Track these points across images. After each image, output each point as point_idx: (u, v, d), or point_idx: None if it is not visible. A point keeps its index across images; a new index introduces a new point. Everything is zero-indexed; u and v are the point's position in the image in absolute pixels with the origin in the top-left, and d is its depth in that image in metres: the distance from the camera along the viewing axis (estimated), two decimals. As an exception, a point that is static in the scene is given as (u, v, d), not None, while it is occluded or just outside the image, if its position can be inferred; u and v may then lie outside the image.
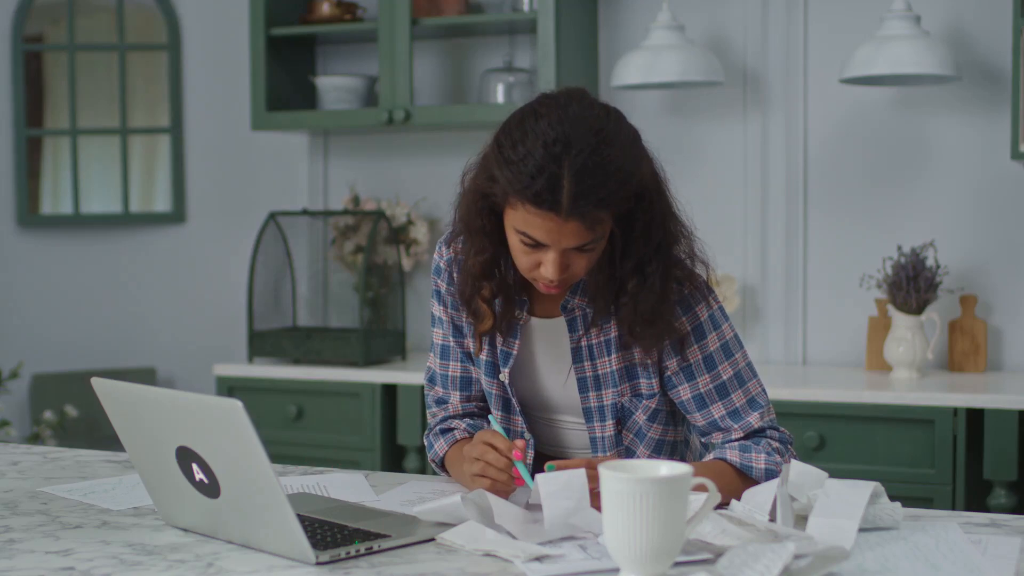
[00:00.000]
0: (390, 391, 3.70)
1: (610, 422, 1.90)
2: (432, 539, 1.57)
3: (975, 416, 3.16)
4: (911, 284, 3.40)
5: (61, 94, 4.57)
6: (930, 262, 3.49)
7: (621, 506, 1.34)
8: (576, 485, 1.57)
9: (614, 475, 1.35)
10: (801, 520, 1.62)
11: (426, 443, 2.04)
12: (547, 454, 2.01)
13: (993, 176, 3.56)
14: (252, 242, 4.13)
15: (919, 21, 3.40)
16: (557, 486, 1.57)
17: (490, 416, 1.86)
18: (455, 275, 1.93)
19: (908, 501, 1.85)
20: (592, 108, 1.73)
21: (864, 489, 1.58)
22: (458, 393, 2.01)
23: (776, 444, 1.86)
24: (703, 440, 1.93)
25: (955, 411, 3.14)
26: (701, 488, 1.45)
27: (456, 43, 4.12)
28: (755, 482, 1.81)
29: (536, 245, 1.73)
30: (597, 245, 1.75)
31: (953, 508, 3.11)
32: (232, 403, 1.42)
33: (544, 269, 1.74)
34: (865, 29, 3.55)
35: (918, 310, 3.42)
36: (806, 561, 1.39)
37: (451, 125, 3.95)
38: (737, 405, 1.87)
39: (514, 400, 1.94)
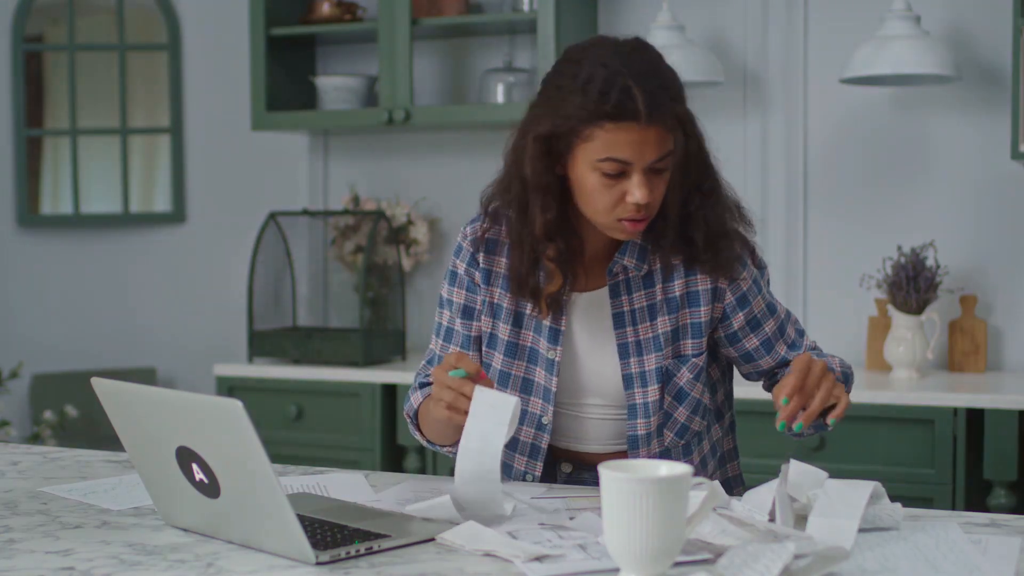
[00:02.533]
0: (390, 391, 3.70)
1: (653, 387, 1.91)
2: (432, 539, 1.57)
3: (975, 416, 3.16)
4: (911, 284, 3.40)
5: (61, 94, 4.57)
6: (930, 262, 3.49)
7: (621, 506, 1.34)
8: (504, 407, 1.63)
9: (614, 475, 1.35)
10: (801, 520, 1.62)
11: (405, 405, 2.02)
12: (562, 448, 1.99)
13: (993, 176, 3.56)
14: (252, 242, 4.13)
15: (919, 21, 3.40)
16: (488, 401, 1.64)
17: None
18: (481, 256, 1.96)
19: (908, 501, 1.85)
20: (620, 37, 1.85)
21: (864, 489, 1.58)
22: None
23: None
24: (767, 381, 2.02)
25: (955, 411, 3.14)
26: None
27: (456, 43, 4.12)
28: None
29: (617, 174, 1.78)
30: (669, 162, 1.80)
31: (953, 508, 3.11)
32: (232, 403, 1.42)
33: (631, 196, 1.78)
34: (865, 29, 3.55)
35: (918, 310, 3.42)
36: (806, 561, 1.39)
37: (451, 125, 3.96)
38: (793, 337, 2.00)
39: (555, 380, 1.93)
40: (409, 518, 1.67)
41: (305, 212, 4.03)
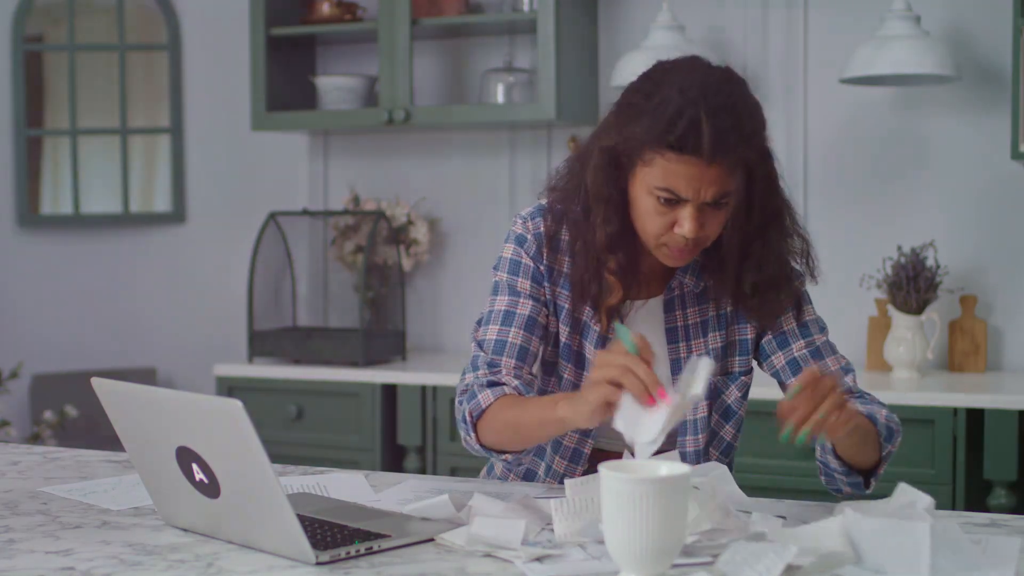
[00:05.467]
0: (390, 391, 3.70)
1: (702, 404, 1.90)
2: (432, 539, 1.57)
3: (975, 416, 3.16)
4: (911, 284, 3.40)
5: (61, 94, 4.57)
6: (930, 262, 3.49)
7: (621, 506, 1.34)
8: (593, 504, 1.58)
9: (614, 475, 1.35)
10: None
11: (460, 400, 1.86)
12: (606, 450, 1.94)
13: (993, 176, 3.56)
14: (252, 242, 4.13)
15: (919, 21, 3.40)
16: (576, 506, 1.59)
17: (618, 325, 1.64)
18: (546, 251, 1.90)
19: (908, 501, 1.85)
20: (713, 63, 1.78)
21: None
22: (512, 360, 1.86)
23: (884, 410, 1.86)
24: None
25: (955, 411, 3.14)
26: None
27: (456, 43, 4.12)
28: (878, 432, 1.79)
29: (673, 202, 1.73)
30: (730, 201, 1.75)
31: (953, 508, 3.11)
32: (232, 403, 1.42)
33: (680, 227, 1.74)
34: (865, 29, 3.55)
35: (918, 310, 3.42)
36: (810, 561, 1.39)
37: (451, 125, 3.95)
38: (833, 369, 1.89)
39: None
40: (409, 518, 1.67)
41: (305, 212, 4.03)
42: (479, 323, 1.92)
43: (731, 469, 1.96)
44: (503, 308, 1.89)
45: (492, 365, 1.86)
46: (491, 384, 1.84)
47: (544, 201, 1.94)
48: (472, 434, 1.83)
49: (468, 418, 1.82)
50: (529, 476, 2.00)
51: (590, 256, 1.84)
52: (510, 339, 1.87)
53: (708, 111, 1.68)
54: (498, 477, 2.05)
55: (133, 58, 4.52)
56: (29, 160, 4.57)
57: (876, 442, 1.80)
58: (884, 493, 1.66)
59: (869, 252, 3.64)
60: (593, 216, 1.82)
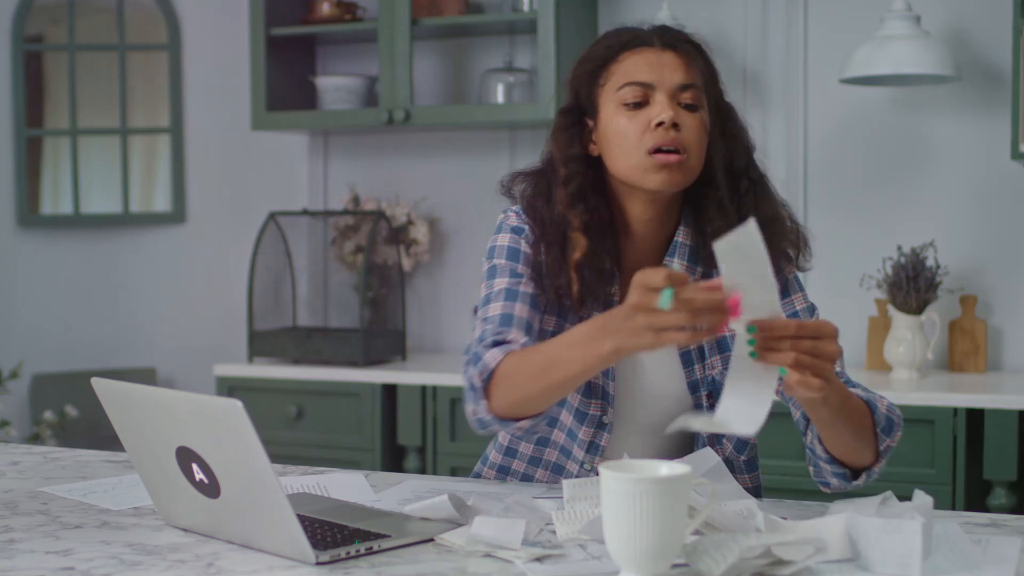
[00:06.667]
0: (390, 391, 3.70)
1: (703, 393, 1.86)
2: (432, 539, 1.57)
3: (975, 416, 3.16)
4: (911, 284, 3.40)
5: (61, 94, 4.57)
6: (930, 262, 3.49)
7: (621, 506, 1.34)
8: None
9: (614, 475, 1.35)
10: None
11: (465, 369, 1.73)
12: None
13: (993, 176, 3.56)
14: (252, 242, 4.13)
15: (919, 21, 3.40)
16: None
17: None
18: (532, 241, 1.87)
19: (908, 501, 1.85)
20: None
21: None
22: (522, 333, 1.76)
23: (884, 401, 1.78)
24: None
25: (955, 411, 3.14)
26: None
27: (456, 43, 4.12)
28: (875, 422, 1.72)
29: (641, 104, 1.75)
30: (700, 105, 1.77)
31: (953, 508, 3.11)
32: (232, 403, 1.42)
33: (656, 115, 1.73)
34: (865, 29, 3.55)
35: (918, 310, 3.42)
36: (794, 549, 1.39)
37: (451, 125, 3.95)
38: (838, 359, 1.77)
39: (612, 384, 1.85)
40: (409, 518, 1.67)
41: (305, 212, 4.03)
42: (478, 307, 1.85)
43: (752, 469, 1.95)
44: (504, 287, 1.81)
45: (499, 334, 1.75)
46: (496, 343, 1.71)
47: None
48: (483, 401, 1.68)
49: (476, 382, 1.68)
50: (555, 469, 1.96)
51: (556, 236, 1.81)
52: (516, 312, 1.78)
53: (653, 25, 1.85)
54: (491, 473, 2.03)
55: (133, 58, 4.52)
56: (29, 160, 4.57)
57: (871, 434, 1.71)
58: (879, 491, 1.66)
59: (869, 252, 3.64)
60: (557, 177, 1.81)
